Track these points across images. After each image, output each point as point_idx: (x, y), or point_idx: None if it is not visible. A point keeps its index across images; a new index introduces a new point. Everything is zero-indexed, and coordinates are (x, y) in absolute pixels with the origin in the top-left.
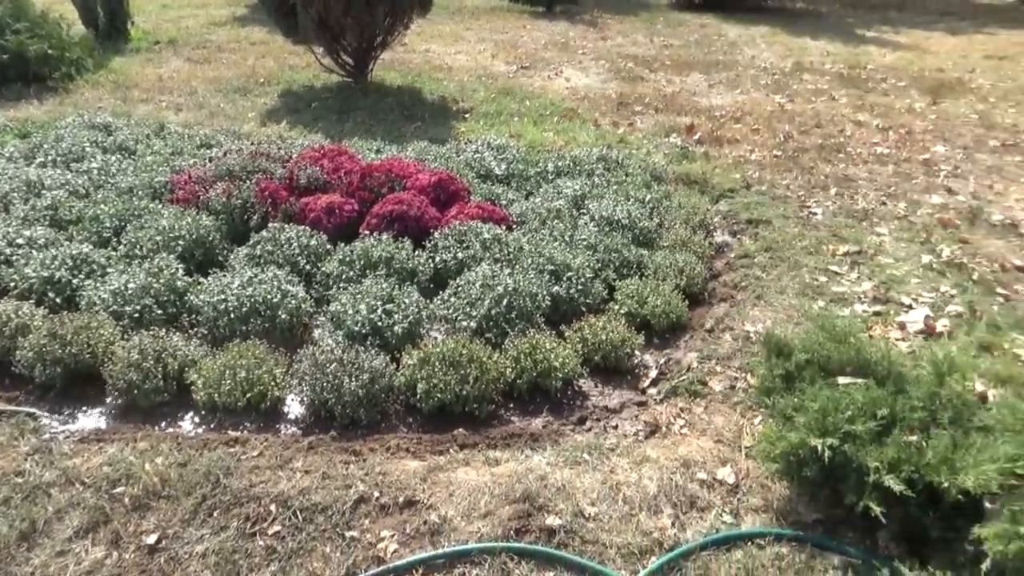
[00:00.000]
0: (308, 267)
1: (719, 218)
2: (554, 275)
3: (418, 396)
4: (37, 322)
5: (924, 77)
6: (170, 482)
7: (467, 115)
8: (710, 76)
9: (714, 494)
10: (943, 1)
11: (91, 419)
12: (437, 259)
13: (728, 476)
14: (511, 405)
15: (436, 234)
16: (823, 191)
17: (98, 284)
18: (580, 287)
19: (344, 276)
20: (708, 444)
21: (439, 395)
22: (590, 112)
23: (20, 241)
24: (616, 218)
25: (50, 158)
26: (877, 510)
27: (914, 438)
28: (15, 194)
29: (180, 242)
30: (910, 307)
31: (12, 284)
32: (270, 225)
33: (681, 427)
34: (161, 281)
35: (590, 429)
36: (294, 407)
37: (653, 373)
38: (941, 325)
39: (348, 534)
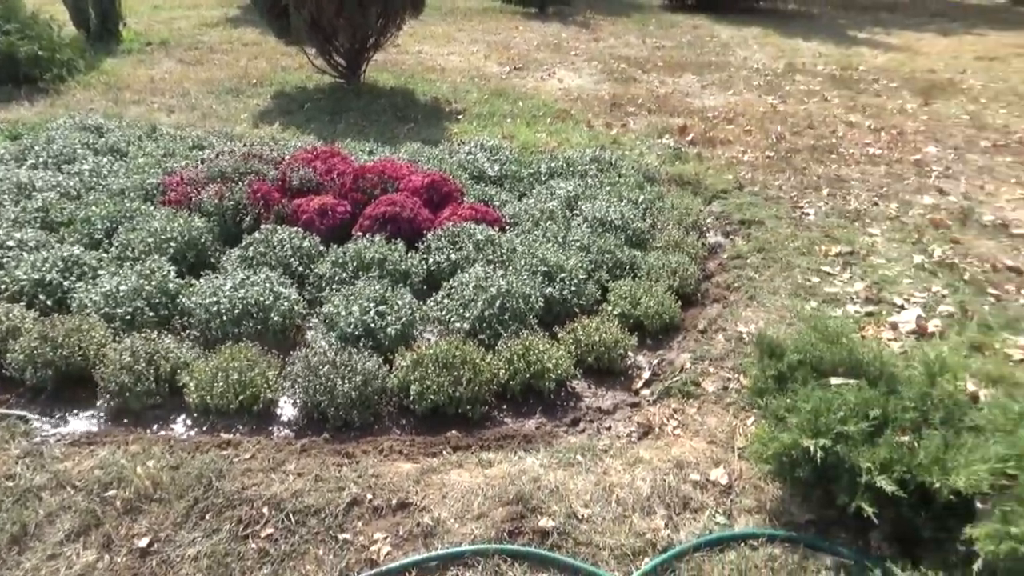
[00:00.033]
0: (301, 269)
1: (712, 219)
2: (547, 276)
3: (411, 398)
4: (28, 324)
5: (915, 78)
6: (162, 485)
7: (460, 116)
8: (703, 77)
9: (707, 495)
10: (934, 2)
11: (82, 422)
12: (430, 260)
13: (721, 477)
14: (504, 407)
15: (429, 235)
16: (815, 192)
17: (89, 286)
18: (573, 288)
19: (337, 278)
20: (701, 445)
21: (432, 397)
22: (583, 113)
23: (11, 243)
24: (609, 219)
25: (41, 160)
26: (869, 511)
27: (906, 438)
28: (6, 196)
29: (172, 244)
30: (902, 307)
31: (3, 286)
32: (262, 227)
33: (674, 428)
34: (153, 283)
35: (583, 430)
36: (287, 409)
37: (646, 374)
38: (933, 325)
39: (341, 536)
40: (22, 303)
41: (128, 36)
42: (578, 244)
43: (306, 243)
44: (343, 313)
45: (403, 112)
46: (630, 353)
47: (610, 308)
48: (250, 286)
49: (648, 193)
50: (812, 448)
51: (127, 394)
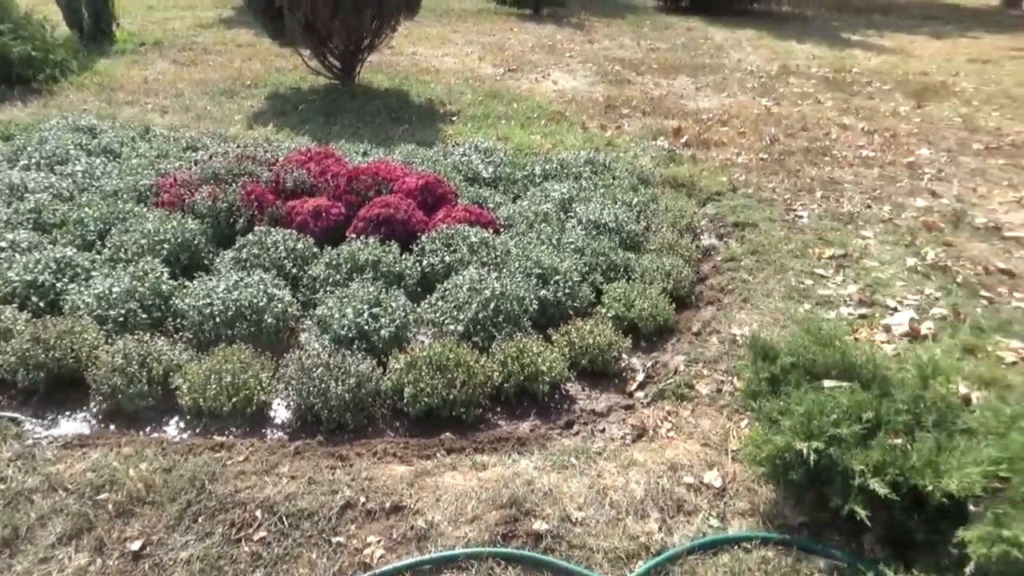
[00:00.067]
0: (294, 271)
1: (706, 221)
2: (541, 279)
3: (405, 400)
4: (20, 326)
5: (908, 81)
6: (155, 488)
7: (454, 118)
8: (697, 79)
9: (701, 498)
10: (927, 5)
11: (75, 424)
12: (424, 263)
13: (715, 480)
14: (498, 409)
15: (423, 237)
16: (809, 194)
17: (82, 288)
18: (567, 291)
19: (331, 280)
20: (695, 448)
21: (426, 399)
22: (577, 115)
23: (3, 244)
24: (603, 221)
25: (34, 161)
26: (862, 513)
27: (899, 441)
28: None
29: (165, 246)
30: (895, 310)
31: None
32: (256, 229)
33: (668, 431)
34: (146, 285)
35: (577, 433)
36: (280, 412)
37: (640, 376)
38: (926, 328)
39: (334, 540)
40: (14, 305)
41: (122, 36)
42: (572, 246)
43: (300, 245)
44: (337, 315)
45: (397, 114)
46: (624, 355)
47: (604, 310)
48: (244, 288)
49: (642, 195)
50: (805, 451)
51: (120, 396)
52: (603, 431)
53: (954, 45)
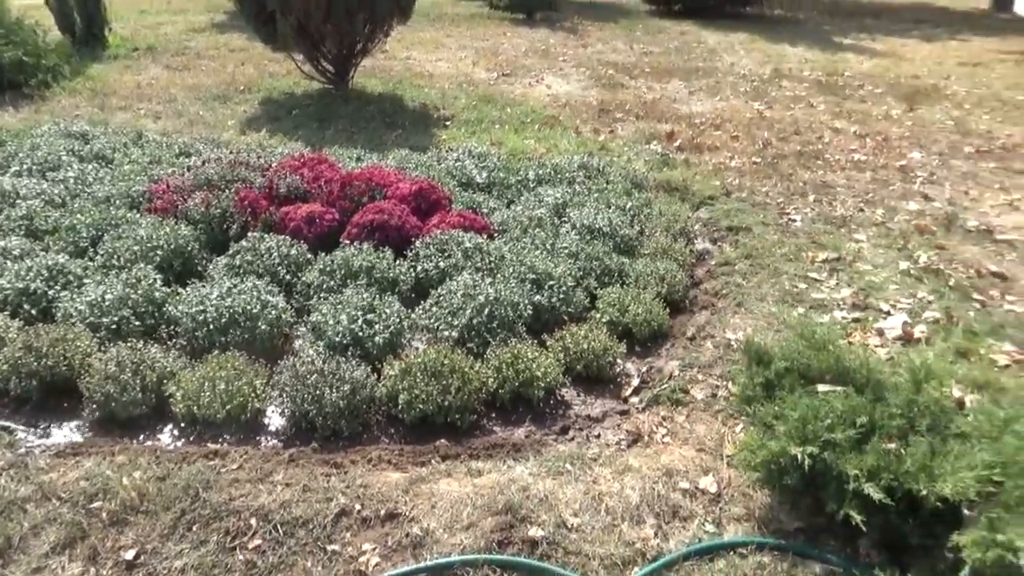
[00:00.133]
0: (288, 277)
1: (700, 225)
2: (536, 284)
3: (400, 407)
4: (12, 334)
5: (900, 84)
6: (148, 496)
7: (448, 123)
8: (690, 83)
9: (696, 503)
10: (918, 9)
11: (67, 433)
12: (418, 268)
13: (710, 485)
14: (493, 415)
15: (417, 243)
16: (802, 198)
17: (75, 295)
18: (562, 296)
19: (325, 286)
20: (690, 453)
21: (421, 406)
22: (571, 119)
23: None
24: (597, 226)
25: (25, 167)
26: (857, 518)
27: (893, 446)
28: None
29: (158, 252)
30: (888, 313)
31: None
32: (250, 235)
33: (663, 436)
34: (139, 292)
35: (572, 439)
36: (275, 419)
37: (635, 382)
38: (919, 331)
39: (329, 548)
40: (6, 312)
41: (114, 41)
42: (566, 251)
43: (294, 251)
44: (331, 322)
45: (391, 118)
46: (619, 361)
47: (599, 315)
48: (237, 295)
49: (636, 200)
50: (800, 456)
51: (113, 404)
52: (598, 437)
53: (944, 48)
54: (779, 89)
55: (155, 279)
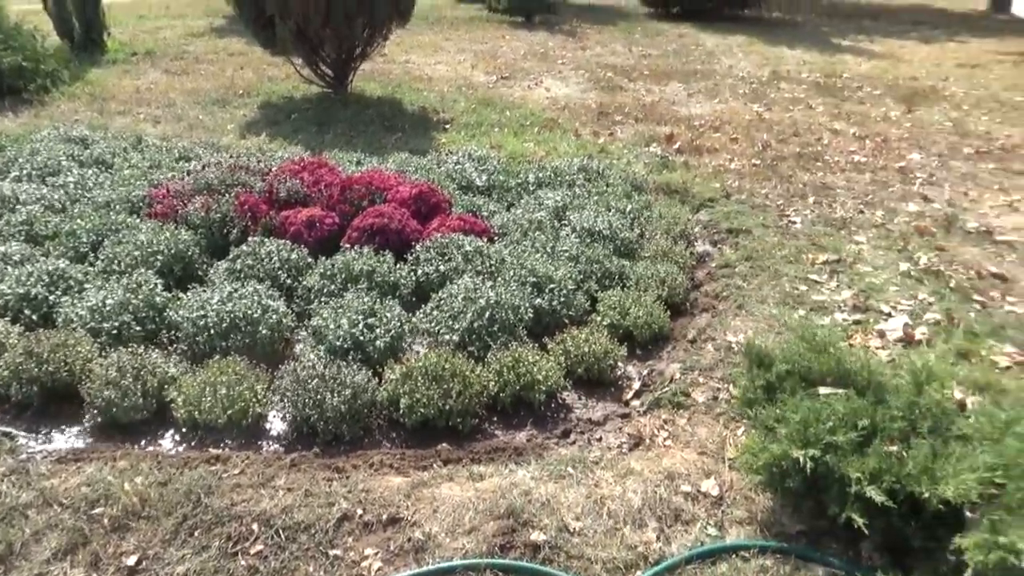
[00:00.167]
0: (289, 281)
1: (700, 228)
2: (536, 287)
3: (401, 411)
4: (13, 340)
5: (899, 85)
6: (150, 502)
7: (448, 126)
8: (689, 85)
9: (698, 507)
10: (916, 10)
11: (69, 438)
12: (419, 272)
13: (712, 488)
14: (495, 419)
15: (417, 247)
16: (801, 200)
17: (75, 300)
18: (562, 299)
19: (325, 290)
20: (692, 456)
21: (422, 410)
22: (570, 122)
23: None
24: (597, 229)
25: (25, 172)
26: (860, 521)
27: (894, 448)
28: None
29: (159, 257)
30: (889, 315)
31: None
32: (250, 239)
33: (665, 439)
34: (139, 297)
35: (574, 442)
36: (276, 424)
37: (636, 385)
38: (920, 333)
39: (331, 552)
40: (7, 318)
41: (113, 46)
42: (567, 254)
43: (294, 255)
44: (332, 326)
45: (391, 122)
46: (620, 364)
47: (599, 319)
48: (238, 299)
49: (636, 202)
50: (802, 459)
51: (114, 410)
52: (600, 440)
53: (943, 50)
54: (778, 91)
55: (156, 284)
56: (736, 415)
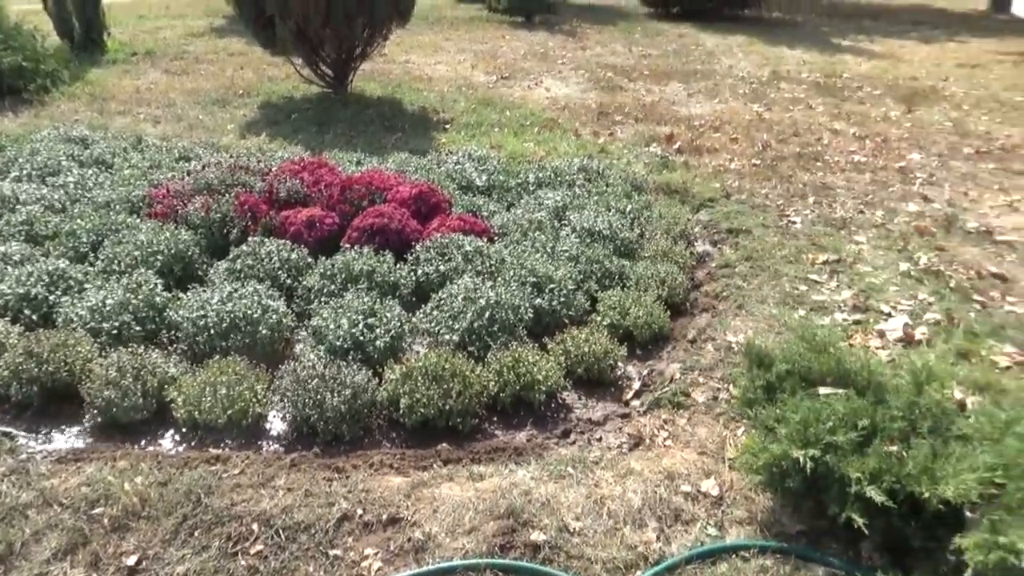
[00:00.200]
0: (289, 281)
1: (700, 228)
2: (536, 287)
3: (401, 411)
4: (13, 340)
5: (899, 85)
6: (150, 502)
7: (447, 126)
8: (689, 85)
9: (698, 507)
10: (916, 10)
11: (69, 438)
12: (419, 272)
13: (712, 488)
14: (495, 419)
15: (417, 247)
16: (801, 200)
17: (75, 300)
18: (562, 299)
19: (325, 290)
20: (692, 456)
21: (422, 410)
22: (570, 122)
23: None
24: (597, 229)
25: (25, 172)
26: (860, 521)
27: (894, 448)
28: None
29: (159, 257)
30: (889, 315)
31: None
32: (250, 239)
33: (665, 439)
34: (139, 297)
35: (574, 442)
36: (276, 424)
37: (636, 385)
38: (920, 333)
39: (331, 552)
40: (7, 318)
41: (113, 46)
42: (567, 254)
43: (294, 255)
44: (332, 326)
45: (391, 122)
46: (620, 364)
47: (599, 319)
48: (238, 299)
49: (636, 202)
50: (802, 459)
51: (114, 410)
52: (600, 440)
53: (943, 50)
54: (778, 91)
55: (156, 284)
56: (736, 415)
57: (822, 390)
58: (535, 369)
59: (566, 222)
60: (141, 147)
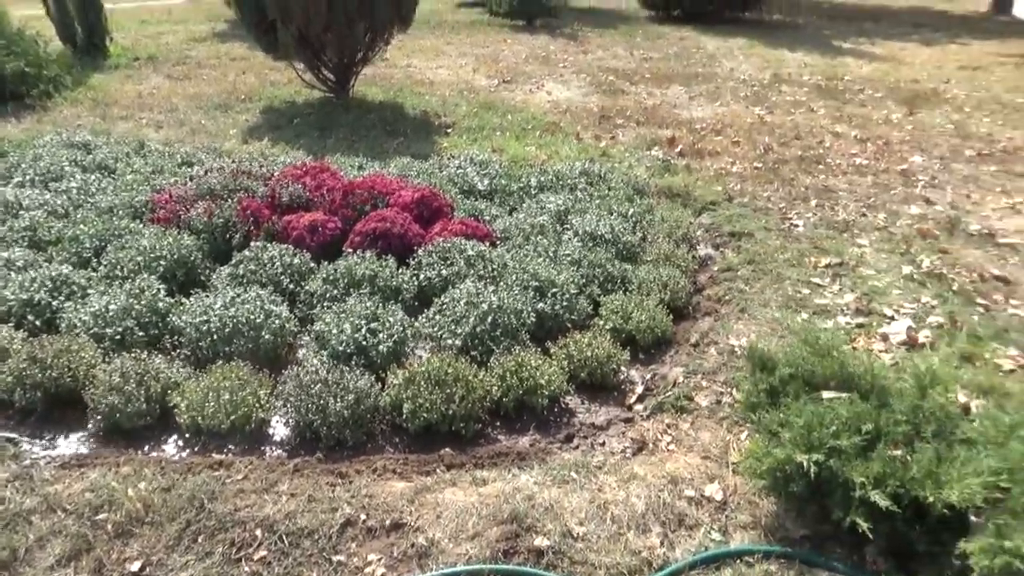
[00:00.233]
0: (291, 286)
1: (702, 231)
2: (539, 291)
3: (404, 416)
4: (16, 345)
5: (900, 88)
6: (154, 507)
7: (449, 130)
8: (690, 88)
9: (702, 511)
10: (917, 12)
11: (73, 444)
12: (421, 276)
13: (716, 493)
14: (498, 423)
15: (420, 251)
16: (804, 203)
17: (78, 306)
18: (565, 303)
19: (328, 295)
20: (695, 460)
21: (425, 415)
22: (572, 126)
23: None
24: (599, 233)
25: (28, 178)
26: (864, 526)
27: (899, 452)
28: None
29: (161, 262)
30: (892, 318)
31: None
32: (252, 244)
33: (668, 443)
34: (142, 302)
35: (577, 447)
36: (279, 429)
37: (639, 389)
38: (923, 336)
39: (335, 558)
40: (10, 324)
41: (115, 51)
42: (569, 258)
43: (296, 260)
44: (334, 331)
45: (392, 126)
46: (623, 368)
47: (602, 323)
48: (241, 304)
49: (638, 206)
50: (805, 463)
51: (117, 415)
52: (603, 445)
53: (944, 52)
54: (779, 94)
55: (158, 289)
56: (739, 419)
57: (825, 394)
58: (538, 374)
59: (568, 226)
60: (144, 152)
